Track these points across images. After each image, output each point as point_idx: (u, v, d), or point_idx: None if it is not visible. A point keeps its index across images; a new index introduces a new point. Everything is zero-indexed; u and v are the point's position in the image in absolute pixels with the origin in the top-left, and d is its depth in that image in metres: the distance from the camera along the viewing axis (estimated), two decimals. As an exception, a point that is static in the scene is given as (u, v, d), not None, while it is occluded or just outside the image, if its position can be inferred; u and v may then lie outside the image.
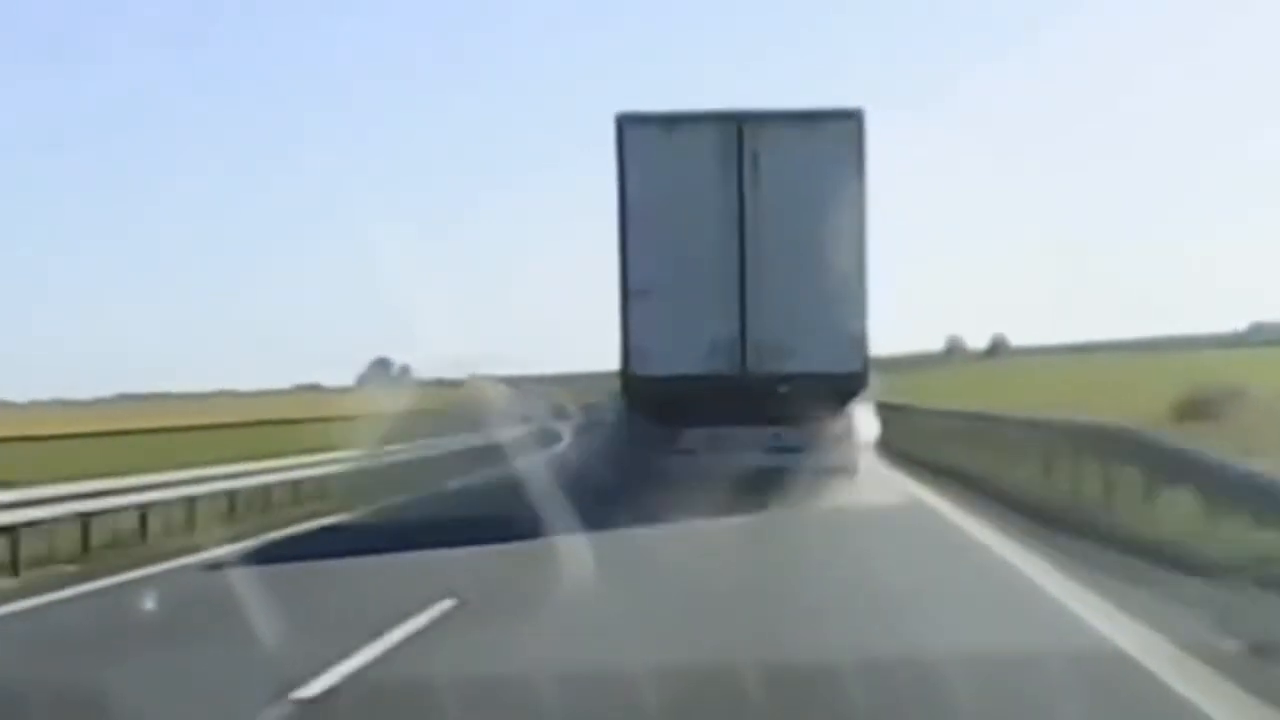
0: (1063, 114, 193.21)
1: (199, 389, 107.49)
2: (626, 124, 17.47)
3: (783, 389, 17.04)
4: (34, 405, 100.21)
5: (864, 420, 18.22)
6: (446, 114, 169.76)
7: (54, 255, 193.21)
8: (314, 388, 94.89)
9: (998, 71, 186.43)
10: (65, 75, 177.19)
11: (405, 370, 78.44)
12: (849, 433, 17.60)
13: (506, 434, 32.64)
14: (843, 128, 17.42)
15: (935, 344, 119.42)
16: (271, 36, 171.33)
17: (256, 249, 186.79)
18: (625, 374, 17.78)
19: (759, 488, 16.34)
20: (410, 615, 10.00)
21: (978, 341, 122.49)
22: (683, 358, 17.21)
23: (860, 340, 17.51)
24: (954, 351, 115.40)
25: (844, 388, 17.53)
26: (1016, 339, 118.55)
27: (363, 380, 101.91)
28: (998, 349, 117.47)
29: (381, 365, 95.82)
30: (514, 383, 46.61)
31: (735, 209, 17.31)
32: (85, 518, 15.70)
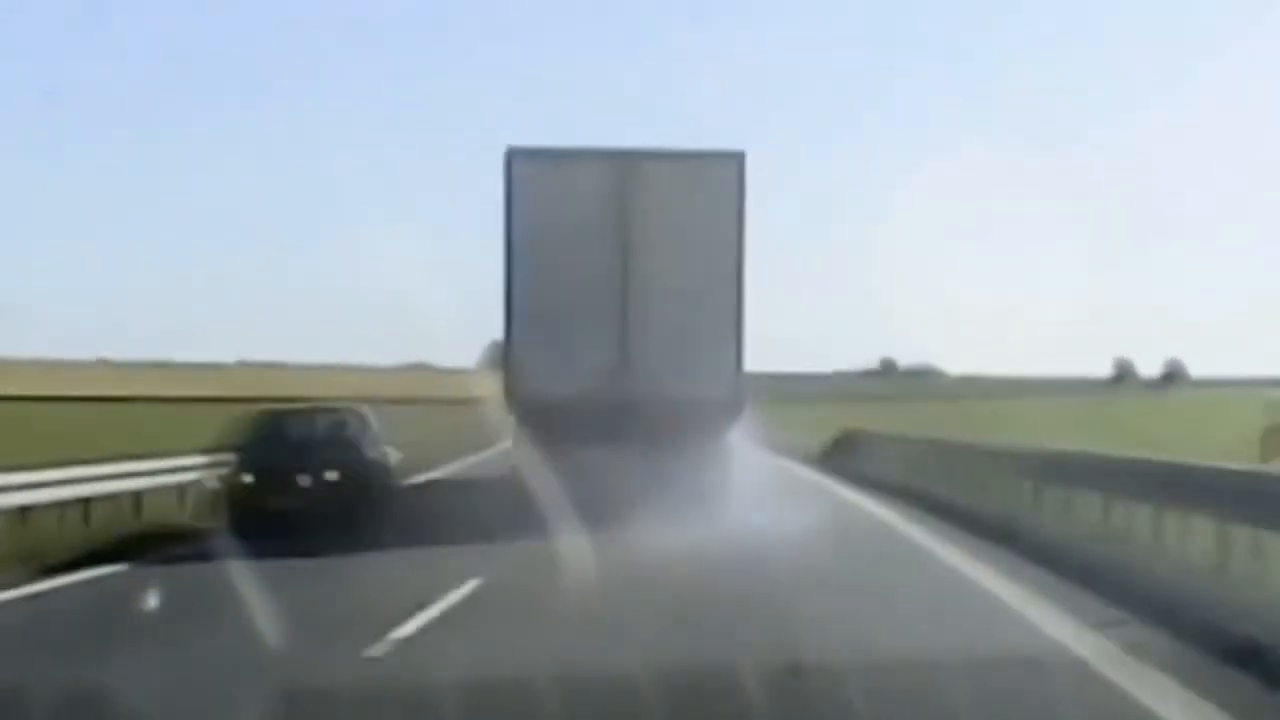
0: (1240, 130, 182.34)
1: (316, 361, 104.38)
2: (515, 157, 18.44)
3: (659, 412, 17.89)
4: (142, 364, 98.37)
5: (737, 442, 19.38)
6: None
7: (181, 223, 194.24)
8: (422, 366, 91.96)
9: (1184, 88, 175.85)
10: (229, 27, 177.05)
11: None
12: (723, 454, 18.63)
13: None
14: (723, 168, 18.53)
15: (1103, 368, 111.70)
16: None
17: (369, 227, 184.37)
18: (509, 392, 18.66)
19: (632, 503, 16.90)
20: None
21: (1151, 368, 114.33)
22: (564, 379, 18.22)
23: (734, 368, 18.63)
24: (1124, 378, 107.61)
25: (719, 412, 18.56)
26: (1195, 368, 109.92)
27: (484, 362, 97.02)
28: (1173, 377, 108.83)
29: (496, 348, 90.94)
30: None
31: (618, 242, 18.38)
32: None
